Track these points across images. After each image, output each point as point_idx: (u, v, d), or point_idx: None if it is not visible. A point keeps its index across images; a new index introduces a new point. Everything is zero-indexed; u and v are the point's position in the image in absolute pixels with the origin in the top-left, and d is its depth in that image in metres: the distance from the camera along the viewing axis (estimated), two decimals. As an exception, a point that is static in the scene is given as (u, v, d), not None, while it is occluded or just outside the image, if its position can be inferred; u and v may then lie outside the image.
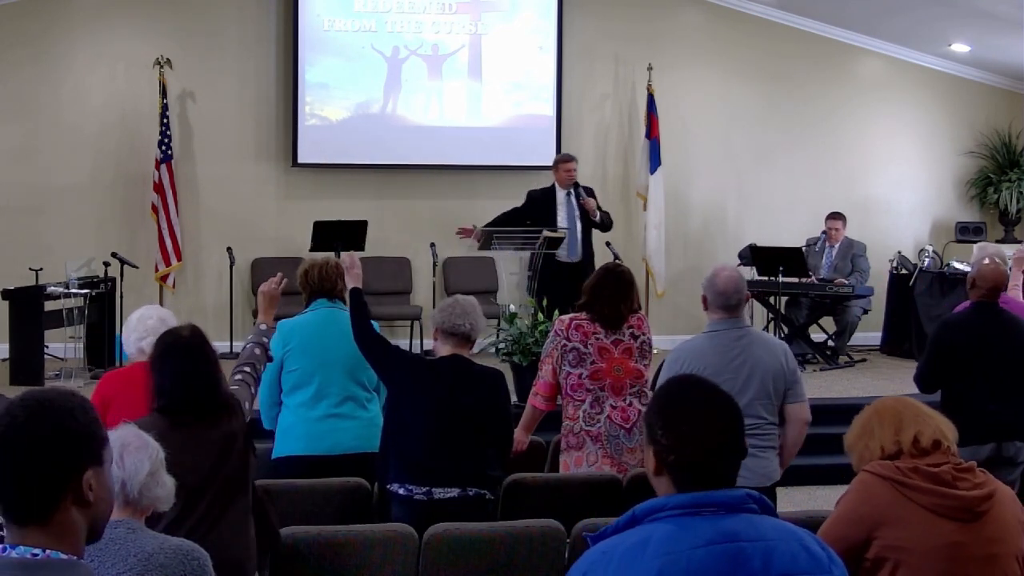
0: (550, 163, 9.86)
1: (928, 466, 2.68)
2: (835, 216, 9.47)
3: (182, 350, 3.31)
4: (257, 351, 3.82)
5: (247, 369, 3.68)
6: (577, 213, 8.31)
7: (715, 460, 2.00)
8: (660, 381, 4.22)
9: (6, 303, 7.94)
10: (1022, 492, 4.13)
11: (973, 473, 2.71)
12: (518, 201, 8.75)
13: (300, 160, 9.73)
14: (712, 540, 1.92)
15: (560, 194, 8.38)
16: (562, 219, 8.29)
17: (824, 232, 9.47)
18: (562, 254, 8.14)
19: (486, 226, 8.11)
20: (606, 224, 8.54)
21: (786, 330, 9.10)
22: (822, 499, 6.27)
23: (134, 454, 2.54)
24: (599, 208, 8.44)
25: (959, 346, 4.79)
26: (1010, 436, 4.69)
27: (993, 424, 4.61)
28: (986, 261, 4.96)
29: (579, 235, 8.30)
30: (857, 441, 2.84)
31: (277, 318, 4.85)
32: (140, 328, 3.97)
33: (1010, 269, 5.60)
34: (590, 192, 8.48)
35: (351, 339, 4.29)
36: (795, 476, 5.52)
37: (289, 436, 4.54)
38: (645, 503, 2.01)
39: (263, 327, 3.99)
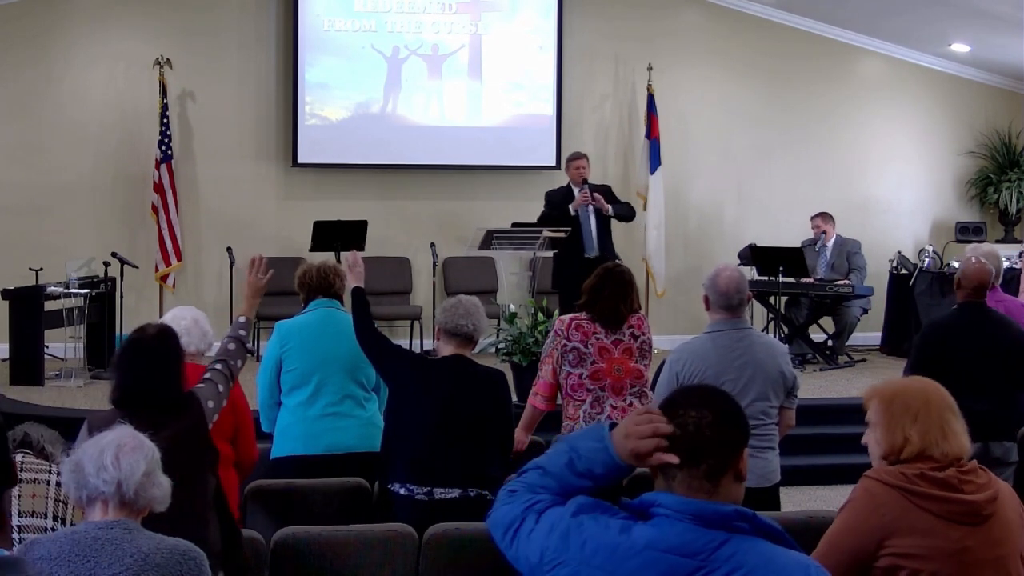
0: (550, 163, 9.93)
1: (933, 471, 2.64)
2: (817, 215, 9.50)
3: (142, 349, 3.39)
4: (231, 346, 3.77)
5: (218, 367, 3.66)
6: (591, 209, 8.30)
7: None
8: (661, 381, 4.22)
9: (6, 303, 7.94)
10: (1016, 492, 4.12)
11: (976, 474, 2.67)
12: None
13: (300, 160, 9.73)
14: (671, 549, 1.90)
15: (575, 191, 8.36)
16: (581, 216, 8.28)
17: (823, 232, 9.47)
18: (587, 252, 8.18)
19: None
20: (624, 215, 8.49)
21: (786, 330, 9.10)
22: (822, 499, 6.28)
23: (130, 455, 2.52)
24: (614, 201, 8.41)
25: (946, 346, 4.77)
26: (998, 436, 4.68)
27: (981, 424, 4.58)
28: (972, 260, 4.95)
29: (594, 230, 8.29)
30: (897, 416, 2.68)
31: (275, 318, 4.86)
32: (174, 328, 4.03)
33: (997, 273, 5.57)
34: (606, 190, 8.48)
35: (350, 339, 4.29)
36: (795, 476, 5.54)
37: (287, 436, 4.53)
38: (651, 495, 1.98)
39: (242, 320, 3.90)
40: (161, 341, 3.42)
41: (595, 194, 8.29)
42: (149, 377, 3.33)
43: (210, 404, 3.50)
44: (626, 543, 1.92)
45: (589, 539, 1.95)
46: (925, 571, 2.60)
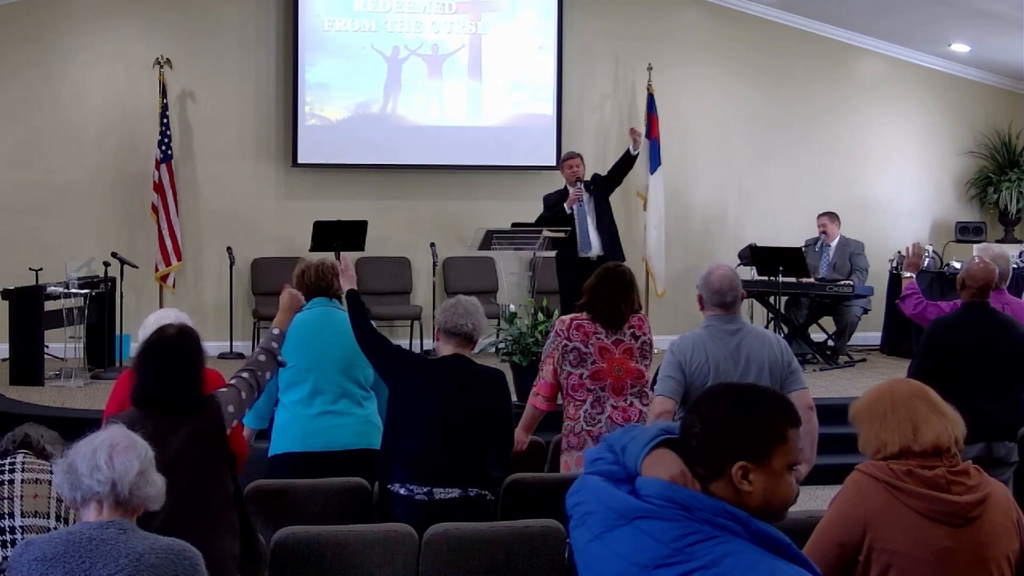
0: (550, 163, 9.93)
1: (923, 468, 2.65)
2: (823, 214, 9.50)
3: (164, 348, 3.41)
4: (261, 357, 3.80)
5: (244, 375, 3.67)
6: (588, 208, 8.31)
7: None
8: (663, 365, 4.22)
9: (6, 303, 7.94)
10: (1015, 492, 4.11)
11: (968, 475, 2.67)
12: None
13: (300, 160, 9.73)
14: (650, 531, 1.92)
15: (571, 191, 8.37)
16: (577, 216, 8.28)
17: (823, 232, 9.48)
18: (582, 250, 8.21)
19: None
20: (622, 164, 8.50)
21: (786, 330, 9.10)
22: (822, 499, 6.25)
23: (123, 454, 2.52)
24: (605, 179, 8.46)
25: (950, 346, 4.77)
26: (1001, 436, 4.68)
27: (984, 424, 4.58)
28: (977, 260, 4.95)
29: (591, 229, 8.29)
30: (868, 422, 2.75)
31: (273, 317, 4.86)
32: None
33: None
34: (596, 178, 8.48)
35: (348, 337, 4.29)
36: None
37: (285, 434, 4.54)
38: (644, 481, 2.00)
39: (275, 331, 3.92)
40: (182, 341, 3.44)
41: (635, 130, 8.51)
42: (170, 377, 3.34)
43: (230, 408, 3.50)
44: (619, 512, 1.94)
45: (592, 499, 2.00)
46: (902, 567, 2.62)
